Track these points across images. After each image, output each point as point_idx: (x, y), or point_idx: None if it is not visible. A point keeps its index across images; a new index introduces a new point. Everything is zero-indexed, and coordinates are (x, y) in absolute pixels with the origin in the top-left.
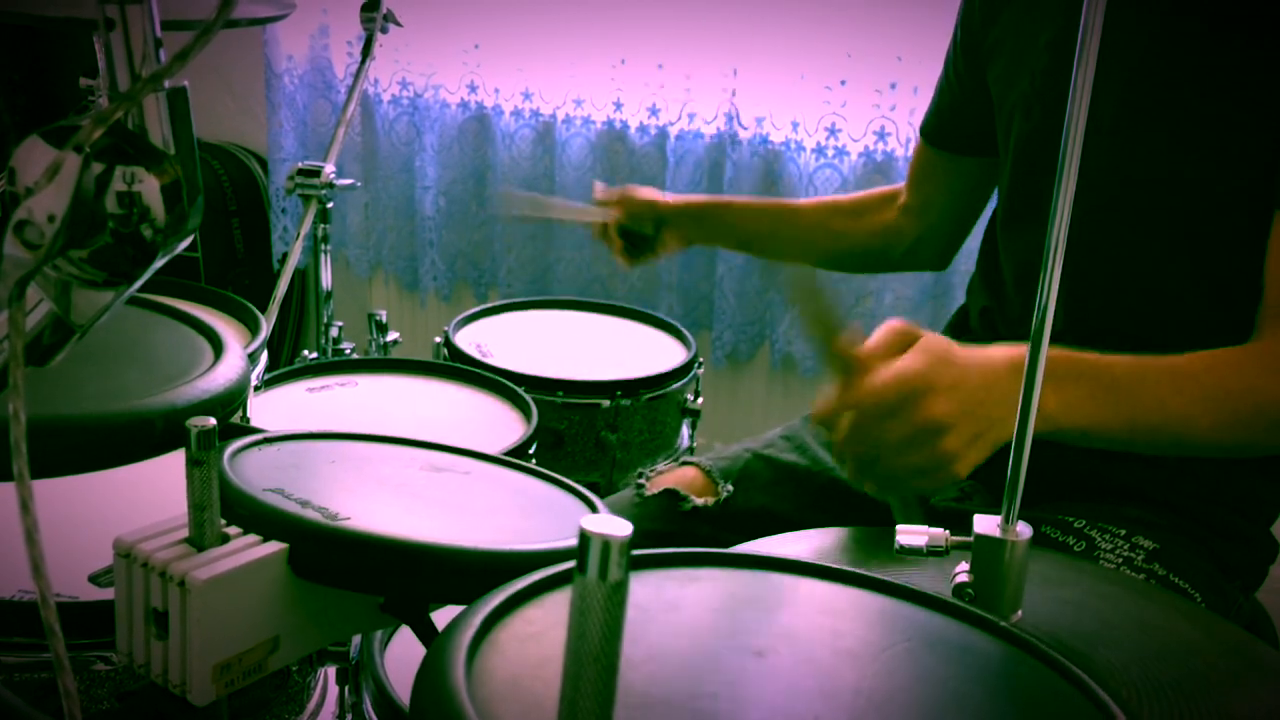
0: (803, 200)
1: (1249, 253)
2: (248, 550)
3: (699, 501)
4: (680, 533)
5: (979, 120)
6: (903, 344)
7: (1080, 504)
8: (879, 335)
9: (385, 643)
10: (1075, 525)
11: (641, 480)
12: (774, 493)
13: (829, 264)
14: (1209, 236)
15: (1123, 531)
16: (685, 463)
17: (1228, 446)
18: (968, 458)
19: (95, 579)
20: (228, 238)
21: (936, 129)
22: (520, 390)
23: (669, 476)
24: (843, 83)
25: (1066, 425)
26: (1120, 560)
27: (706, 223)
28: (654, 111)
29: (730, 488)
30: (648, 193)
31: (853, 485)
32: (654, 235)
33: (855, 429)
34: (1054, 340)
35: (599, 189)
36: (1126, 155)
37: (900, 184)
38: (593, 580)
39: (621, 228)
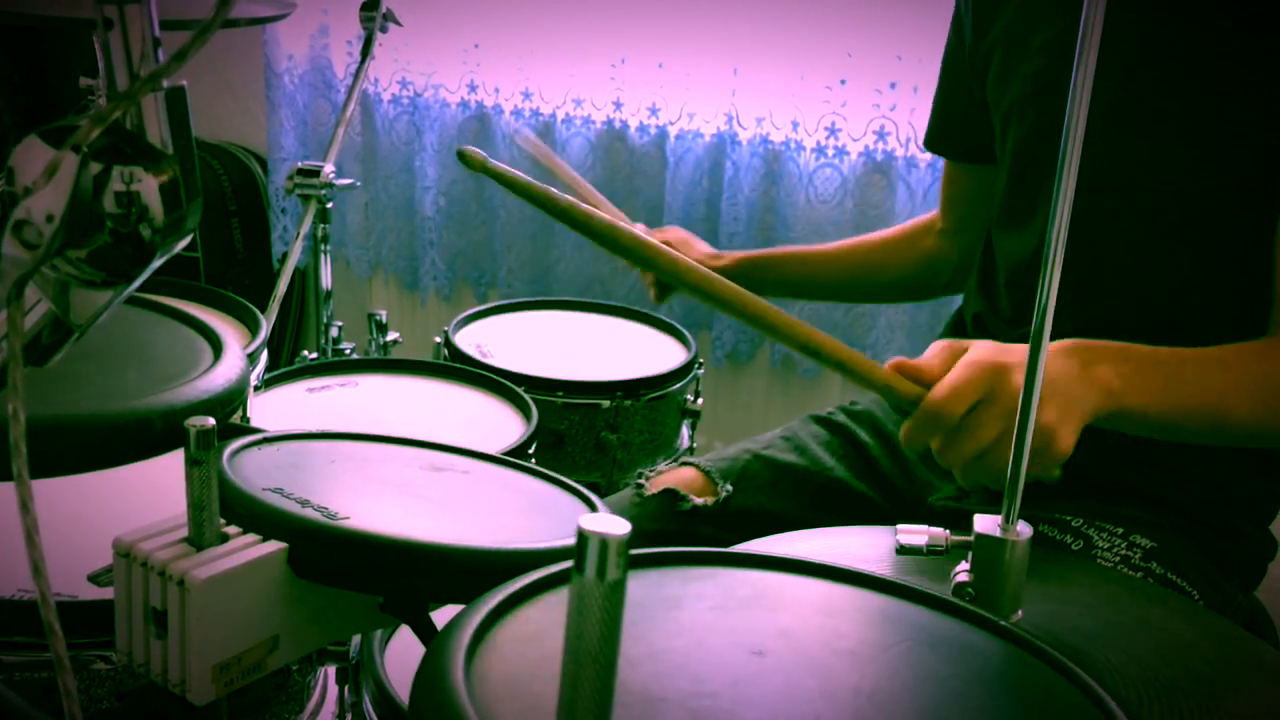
0: (839, 243)
1: (1248, 251)
2: (247, 550)
3: (698, 501)
4: (679, 532)
5: (981, 127)
6: (954, 356)
7: (1078, 502)
8: (931, 354)
9: (385, 642)
10: (1073, 524)
11: (641, 480)
12: (773, 493)
13: (873, 299)
14: (1207, 235)
15: (1120, 530)
16: (685, 463)
17: (1268, 434)
18: (1064, 431)
19: (95, 578)
20: (227, 238)
21: (940, 139)
22: (520, 390)
23: (668, 476)
24: (843, 82)
25: (1129, 404)
26: (1118, 559)
27: (746, 282)
28: (654, 111)
29: (729, 488)
30: (693, 249)
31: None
32: None
33: (950, 434)
34: (1053, 340)
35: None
36: (1122, 155)
37: (935, 211)
38: (590, 579)
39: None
